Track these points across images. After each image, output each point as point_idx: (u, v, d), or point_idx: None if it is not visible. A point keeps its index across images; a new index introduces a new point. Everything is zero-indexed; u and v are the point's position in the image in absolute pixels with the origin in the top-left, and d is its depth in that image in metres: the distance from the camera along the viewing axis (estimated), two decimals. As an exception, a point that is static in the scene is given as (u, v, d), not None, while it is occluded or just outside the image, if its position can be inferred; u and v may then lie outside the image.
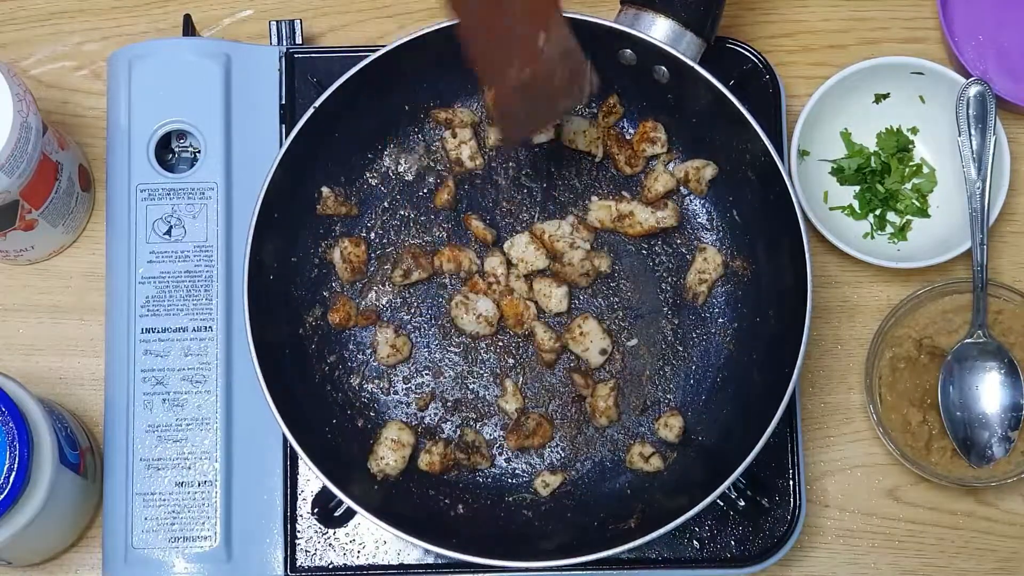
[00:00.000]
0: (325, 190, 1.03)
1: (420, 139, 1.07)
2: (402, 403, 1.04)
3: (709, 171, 1.04)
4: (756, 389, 0.99)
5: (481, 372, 1.04)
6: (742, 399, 1.01)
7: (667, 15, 0.98)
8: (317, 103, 0.97)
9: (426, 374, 1.04)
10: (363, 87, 0.99)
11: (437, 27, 0.97)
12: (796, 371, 0.93)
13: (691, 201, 1.06)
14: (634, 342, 1.04)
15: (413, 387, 1.04)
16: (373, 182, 1.06)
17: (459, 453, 1.01)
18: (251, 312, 0.94)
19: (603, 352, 1.03)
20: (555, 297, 1.03)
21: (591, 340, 1.02)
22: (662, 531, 0.92)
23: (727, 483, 0.92)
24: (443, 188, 1.05)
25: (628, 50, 1.00)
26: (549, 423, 1.03)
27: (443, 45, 0.98)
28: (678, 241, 1.06)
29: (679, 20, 0.97)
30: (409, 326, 1.05)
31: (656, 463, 1.01)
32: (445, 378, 1.04)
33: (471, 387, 1.04)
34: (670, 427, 1.01)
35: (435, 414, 1.04)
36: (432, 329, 1.05)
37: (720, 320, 1.04)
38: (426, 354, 1.04)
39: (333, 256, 1.04)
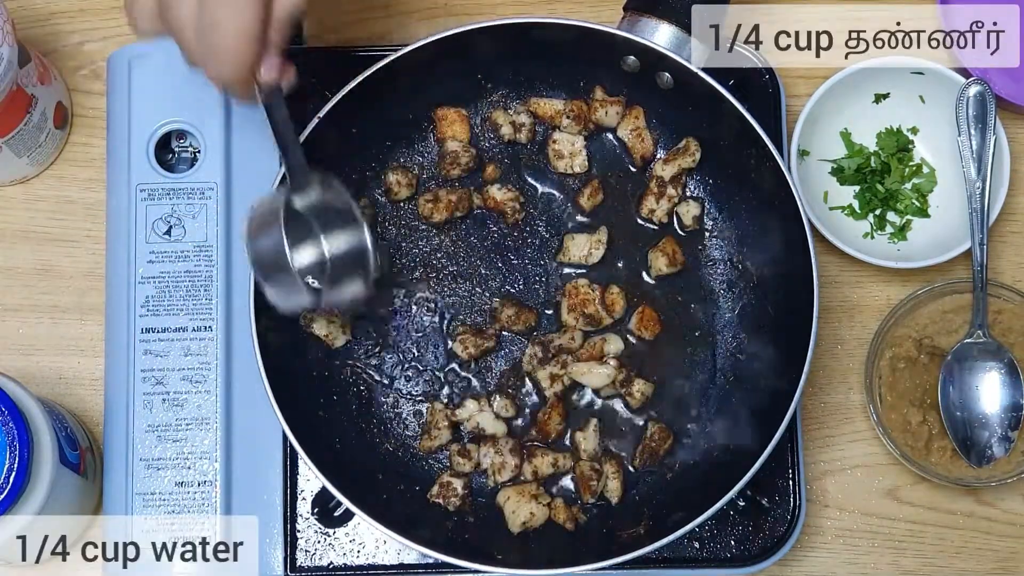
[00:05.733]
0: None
1: (423, 146, 1.07)
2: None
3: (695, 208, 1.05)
4: (760, 392, 0.99)
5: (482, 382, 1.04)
6: (745, 402, 1.00)
7: (670, 21, 0.97)
8: (321, 113, 0.97)
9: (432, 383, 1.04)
10: (365, 94, 0.98)
11: (440, 36, 0.97)
12: (804, 374, 0.92)
13: (691, 202, 1.06)
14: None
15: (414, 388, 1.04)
16: (377, 194, 1.06)
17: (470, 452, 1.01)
18: (255, 311, 0.94)
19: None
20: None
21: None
22: (668, 539, 0.91)
23: (734, 491, 0.91)
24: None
25: (632, 57, 1.00)
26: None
27: (444, 49, 0.98)
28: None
29: (681, 26, 0.97)
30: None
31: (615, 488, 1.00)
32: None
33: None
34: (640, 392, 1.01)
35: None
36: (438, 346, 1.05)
37: (721, 321, 1.04)
38: (431, 359, 1.05)
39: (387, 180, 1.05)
